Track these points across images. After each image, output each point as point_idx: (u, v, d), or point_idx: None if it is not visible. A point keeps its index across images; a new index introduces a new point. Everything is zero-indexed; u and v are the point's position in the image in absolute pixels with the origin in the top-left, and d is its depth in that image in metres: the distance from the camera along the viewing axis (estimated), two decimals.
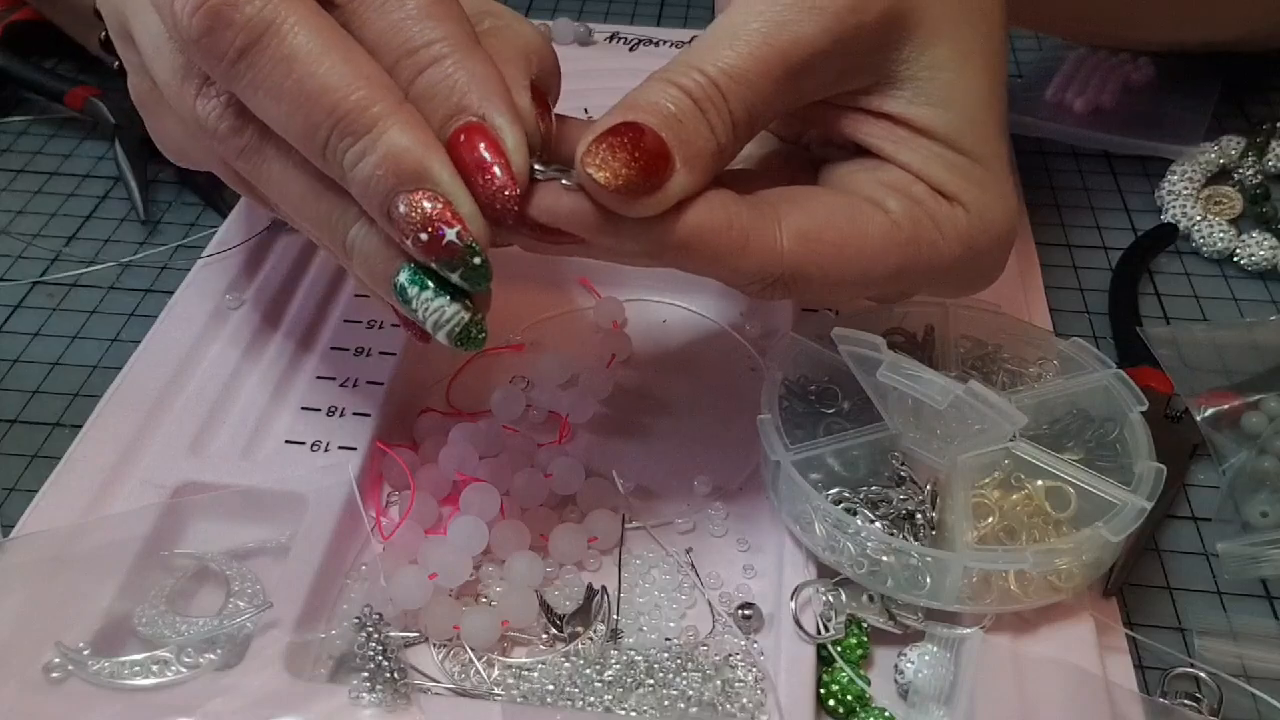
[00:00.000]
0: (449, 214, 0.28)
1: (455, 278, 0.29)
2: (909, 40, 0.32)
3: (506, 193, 0.29)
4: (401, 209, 0.28)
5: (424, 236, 0.28)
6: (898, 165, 0.33)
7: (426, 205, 0.28)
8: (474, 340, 0.30)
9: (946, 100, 0.33)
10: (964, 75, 0.33)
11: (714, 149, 0.31)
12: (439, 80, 0.29)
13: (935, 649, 0.35)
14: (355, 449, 0.40)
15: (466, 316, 0.30)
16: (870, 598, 0.36)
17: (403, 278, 0.30)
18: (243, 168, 0.32)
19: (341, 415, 0.42)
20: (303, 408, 0.42)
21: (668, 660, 0.35)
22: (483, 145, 0.29)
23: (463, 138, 0.29)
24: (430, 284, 0.29)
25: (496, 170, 0.29)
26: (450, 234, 0.28)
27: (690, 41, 0.64)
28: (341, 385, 0.43)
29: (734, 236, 0.31)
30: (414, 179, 0.28)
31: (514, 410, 0.44)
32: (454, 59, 0.29)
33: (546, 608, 0.36)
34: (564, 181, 0.30)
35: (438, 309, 0.30)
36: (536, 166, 0.30)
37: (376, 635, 0.34)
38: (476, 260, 0.29)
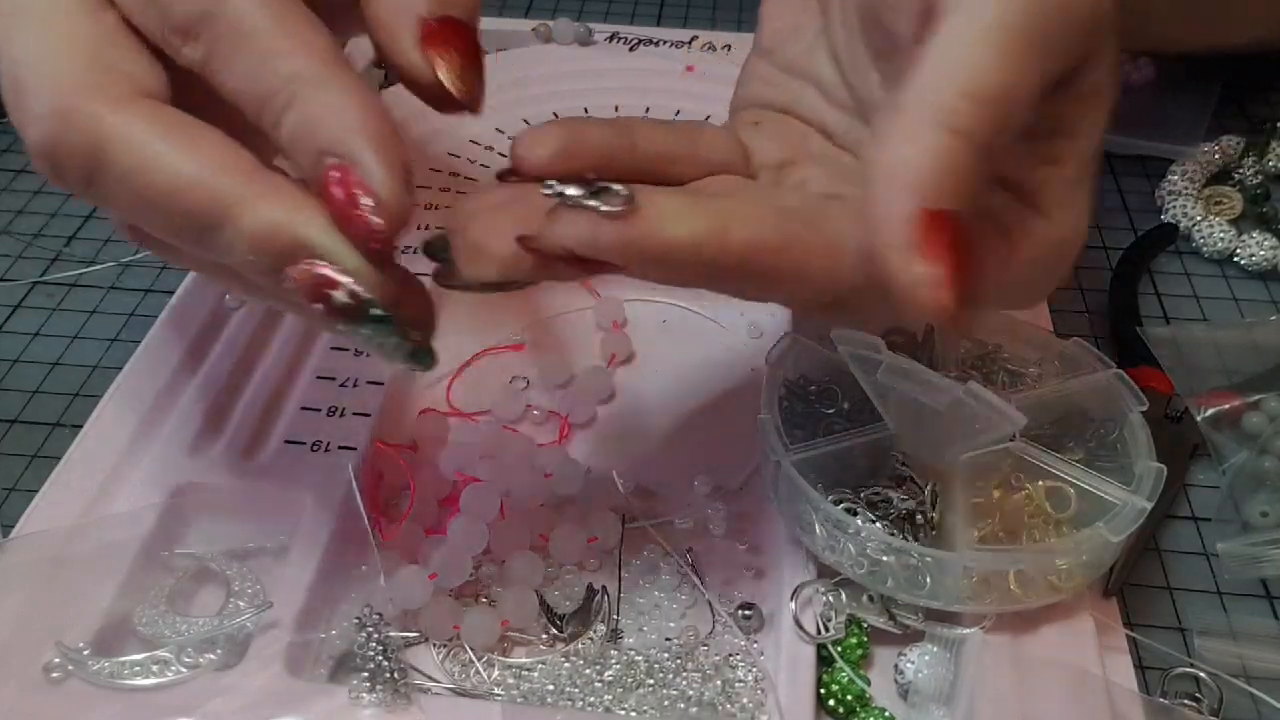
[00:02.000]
0: (330, 276, 0.26)
1: (365, 331, 0.27)
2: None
3: (381, 234, 0.26)
4: (289, 284, 0.27)
5: (318, 306, 0.27)
6: None
7: (309, 272, 0.26)
8: (422, 361, 0.29)
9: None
10: None
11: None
12: (298, 125, 0.27)
13: (935, 649, 0.35)
14: (355, 449, 0.40)
15: (409, 345, 0.28)
16: (870, 598, 0.36)
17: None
18: (168, 260, 0.31)
19: (341, 415, 0.42)
20: (303, 408, 0.42)
21: (668, 660, 0.35)
22: (348, 187, 0.26)
23: (330, 179, 0.26)
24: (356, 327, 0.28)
25: (365, 213, 0.26)
26: (340, 296, 0.26)
27: (691, 42, 0.64)
28: (341, 385, 0.43)
29: (796, 255, 0.28)
30: (290, 252, 0.26)
31: (514, 410, 0.44)
32: (306, 96, 0.26)
33: (546, 608, 0.36)
34: (603, 207, 0.26)
35: (378, 344, 0.28)
36: (569, 191, 0.27)
37: (376, 635, 0.34)
38: (375, 312, 0.27)
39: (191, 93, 0.28)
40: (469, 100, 0.29)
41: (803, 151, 0.34)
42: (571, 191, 0.27)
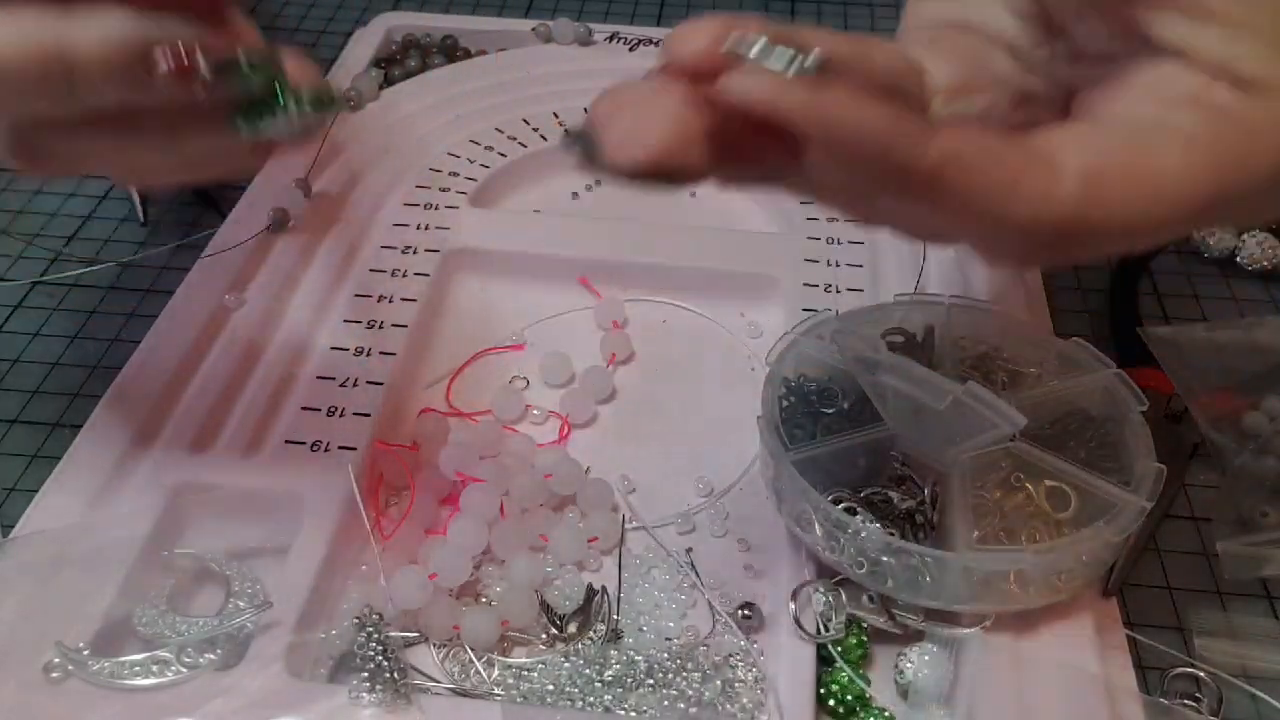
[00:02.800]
0: (182, 54, 0.27)
1: (252, 86, 0.28)
2: None
3: None
4: (158, 83, 0.27)
5: (197, 88, 0.27)
6: (1187, 57, 0.27)
7: (165, 63, 0.27)
8: (329, 104, 0.29)
9: None
10: None
11: None
12: None
13: (935, 649, 0.35)
14: (355, 449, 0.40)
15: (302, 92, 0.29)
16: (870, 598, 0.36)
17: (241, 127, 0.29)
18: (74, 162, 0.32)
19: (341, 415, 0.42)
20: (303, 408, 0.42)
21: (668, 660, 0.35)
22: None
23: None
24: (256, 117, 0.29)
25: None
26: (202, 68, 0.27)
27: None
28: (341, 385, 0.43)
29: (1002, 174, 0.25)
30: (134, 58, 0.27)
31: (514, 410, 0.44)
32: None
33: (546, 608, 0.36)
34: (792, 70, 0.24)
35: (275, 105, 0.28)
36: (756, 50, 0.24)
37: (376, 635, 0.34)
38: (246, 66, 0.28)
39: None
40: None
41: (983, 73, 0.32)
42: (759, 51, 0.24)
